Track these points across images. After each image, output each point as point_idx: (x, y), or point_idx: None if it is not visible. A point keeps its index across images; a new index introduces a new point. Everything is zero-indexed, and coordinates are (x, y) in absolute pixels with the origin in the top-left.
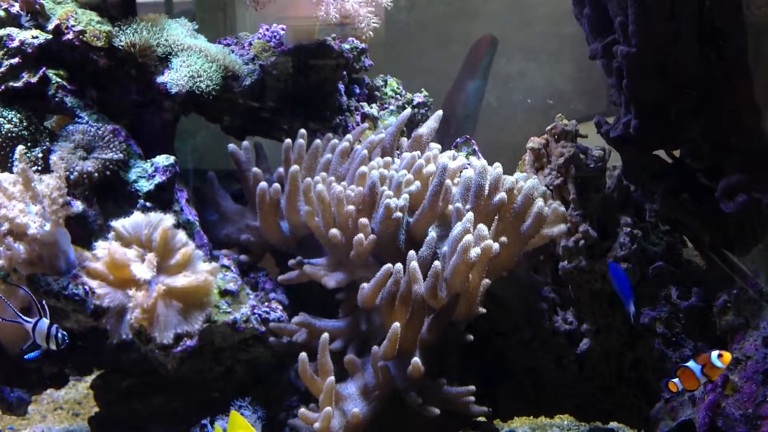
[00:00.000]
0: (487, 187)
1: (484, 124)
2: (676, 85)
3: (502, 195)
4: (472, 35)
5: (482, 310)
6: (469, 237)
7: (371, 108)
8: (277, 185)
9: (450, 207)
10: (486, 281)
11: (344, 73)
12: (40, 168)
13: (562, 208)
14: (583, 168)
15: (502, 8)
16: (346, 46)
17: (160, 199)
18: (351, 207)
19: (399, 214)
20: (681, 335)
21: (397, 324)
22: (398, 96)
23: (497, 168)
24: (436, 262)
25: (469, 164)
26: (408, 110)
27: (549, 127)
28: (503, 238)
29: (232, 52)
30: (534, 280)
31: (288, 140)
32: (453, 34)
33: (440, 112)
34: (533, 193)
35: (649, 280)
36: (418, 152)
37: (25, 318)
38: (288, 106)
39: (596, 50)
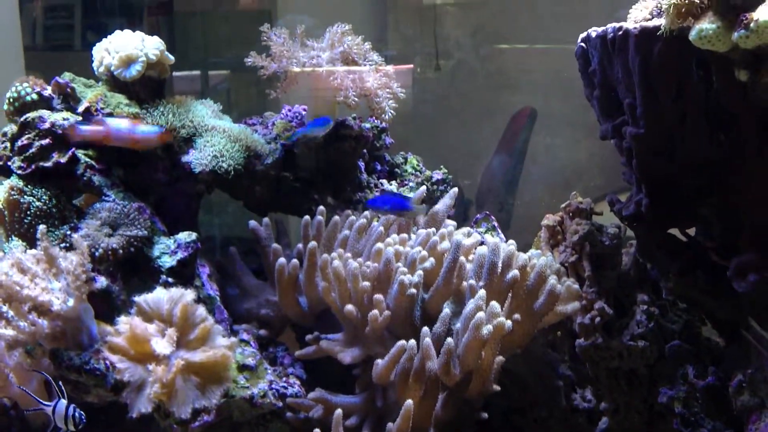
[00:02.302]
0: (500, 264)
1: (522, 197)
2: (685, 164)
3: (515, 272)
4: (512, 107)
5: (496, 387)
6: (481, 314)
7: (391, 185)
8: (295, 261)
9: (464, 283)
10: (500, 358)
11: (364, 151)
12: (67, 245)
13: (576, 286)
14: (598, 245)
15: (541, 80)
16: (367, 125)
17: (182, 274)
18: (366, 283)
19: (413, 290)
20: (699, 415)
21: (410, 401)
22: (418, 173)
23: (510, 245)
24: (449, 339)
25: (483, 241)
26: (423, 188)
27: (564, 205)
28: (516, 316)
29: (256, 131)
30: (551, 357)
31: (307, 217)
32: (492, 105)
33: (455, 190)
34: (546, 270)
35: (666, 359)
36: (433, 229)
37: (44, 402)
38: (309, 183)
39: (607, 131)
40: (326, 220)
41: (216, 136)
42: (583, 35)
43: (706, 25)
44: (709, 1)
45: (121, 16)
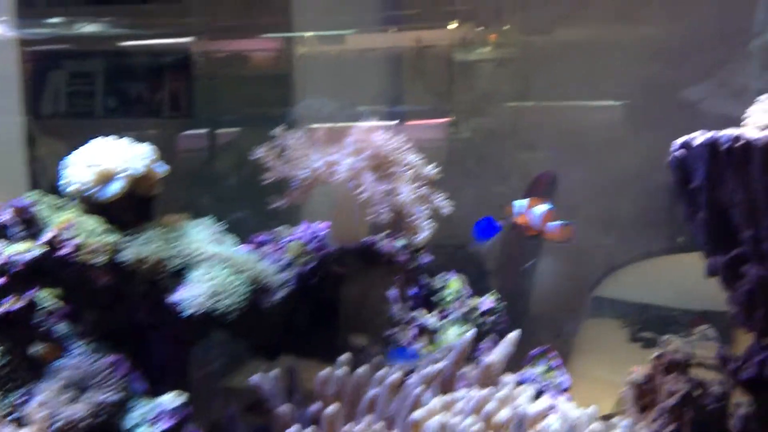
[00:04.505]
0: None
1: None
2: None
3: None
4: (531, 169)
5: None
6: None
7: (429, 317)
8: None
9: None
10: None
11: (397, 276)
12: (19, 416)
13: None
14: (702, 409)
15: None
16: (399, 244)
17: None
18: None
19: None
20: None
21: None
22: (461, 299)
23: (594, 423)
24: None
25: (554, 405)
26: (471, 333)
27: (655, 355)
28: None
29: (265, 256)
30: None
31: (325, 371)
32: (512, 167)
33: (515, 335)
34: None
35: None
36: (489, 390)
37: None
38: (329, 321)
39: (716, 266)
40: (351, 367)
41: (215, 268)
42: (680, 141)
43: None
44: None
45: (142, 81)
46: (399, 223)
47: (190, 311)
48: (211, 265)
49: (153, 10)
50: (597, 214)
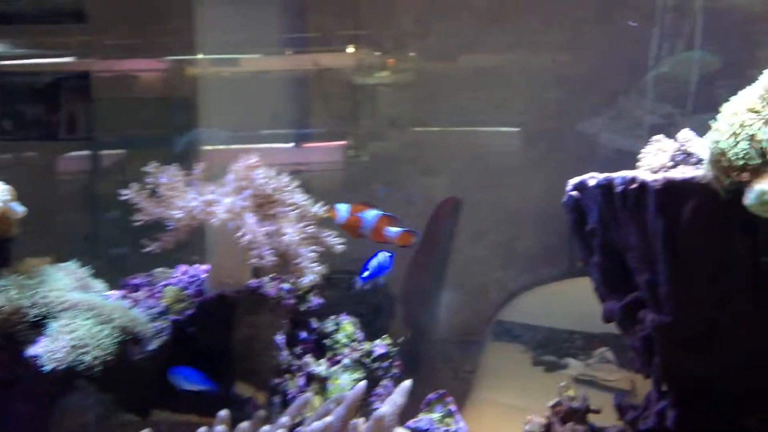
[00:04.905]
0: None
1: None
2: (726, 362)
3: None
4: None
5: None
6: None
7: (319, 365)
8: None
9: None
10: None
11: (284, 321)
12: None
13: None
14: None
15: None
16: (287, 286)
17: None
18: None
19: None
20: None
21: None
22: (354, 344)
23: None
24: None
25: None
26: (362, 385)
27: (551, 403)
28: None
29: (137, 302)
30: None
31: (202, 429)
32: (413, 191)
33: (408, 384)
34: None
35: None
36: None
37: None
38: (208, 372)
39: (613, 311)
40: (232, 423)
41: (78, 317)
42: (575, 181)
43: None
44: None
45: (39, 102)
46: (284, 265)
47: (51, 366)
48: (75, 315)
49: (55, 30)
50: (499, 239)
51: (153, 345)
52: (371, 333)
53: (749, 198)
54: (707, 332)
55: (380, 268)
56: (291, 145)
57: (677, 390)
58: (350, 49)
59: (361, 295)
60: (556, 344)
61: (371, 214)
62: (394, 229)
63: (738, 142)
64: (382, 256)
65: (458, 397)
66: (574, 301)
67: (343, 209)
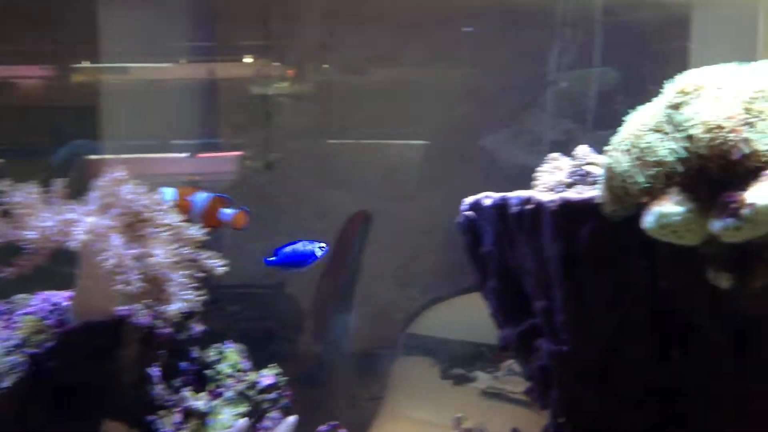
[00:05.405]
0: None
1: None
2: (624, 393)
3: None
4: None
5: None
6: None
7: (198, 399)
8: None
9: None
10: None
11: (159, 352)
12: None
13: None
14: None
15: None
16: (164, 314)
17: None
18: None
19: None
20: None
21: None
22: (238, 374)
23: None
24: None
25: None
26: (241, 424)
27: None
28: None
29: None
30: None
31: None
32: (327, 205)
33: (293, 419)
34: None
35: None
36: None
37: None
38: (72, 410)
39: (509, 339)
40: None
41: None
42: (469, 200)
43: (670, 208)
44: (669, 174)
45: None
46: (154, 291)
47: None
48: None
49: None
50: (408, 252)
51: (6, 382)
52: (262, 360)
53: (648, 221)
54: (605, 362)
55: (300, 257)
56: (186, 155)
57: (574, 423)
58: (248, 59)
59: (251, 320)
60: (466, 357)
61: (201, 197)
62: (228, 211)
63: (636, 162)
64: (303, 246)
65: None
66: (483, 314)
67: (168, 193)
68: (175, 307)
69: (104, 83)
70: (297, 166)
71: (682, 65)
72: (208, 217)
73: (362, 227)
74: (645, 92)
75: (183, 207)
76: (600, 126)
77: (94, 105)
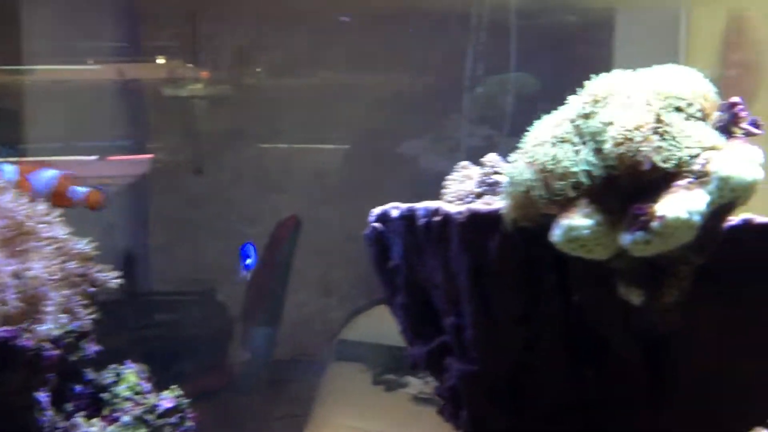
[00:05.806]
0: None
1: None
2: (536, 413)
3: None
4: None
5: None
6: None
7: (91, 425)
8: None
9: None
10: None
11: (48, 376)
12: None
13: None
14: None
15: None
16: (53, 332)
17: None
18: None
19: None
20: None
21: None
22: (137, 398)
23: None
24: None
25: None
26: None
27: None
28: None
29: None
30: None
31: None
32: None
33: None
34: None
35: None
36: None
37: None
38: None
39: (419, 358)
40: None
41: None
42: (377, 211)
43: (579, 221)
44: (577, 185)
45: None
46: (34, 311)
47: None
48: None
49: None
50: (337, 257)
51: None
52: (165, 381)
53: (556, 234)
54: (515, 382)
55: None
56: (95, 157)
57: None
58: (161, 60)
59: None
60: (398, 363)
61: (47, 175)
62: (80, 189)
63: (542, 173)
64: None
65: None
66: None
67: (9, 170)
68: (44, 328)
69: (24, 85)
70: (227, 170)
71: (605, 69)
72: (58, 197)
73: (292, 232)
74: (565, 98)
75: (23, 185)
76: (519, 132)
77: (16, 108)
